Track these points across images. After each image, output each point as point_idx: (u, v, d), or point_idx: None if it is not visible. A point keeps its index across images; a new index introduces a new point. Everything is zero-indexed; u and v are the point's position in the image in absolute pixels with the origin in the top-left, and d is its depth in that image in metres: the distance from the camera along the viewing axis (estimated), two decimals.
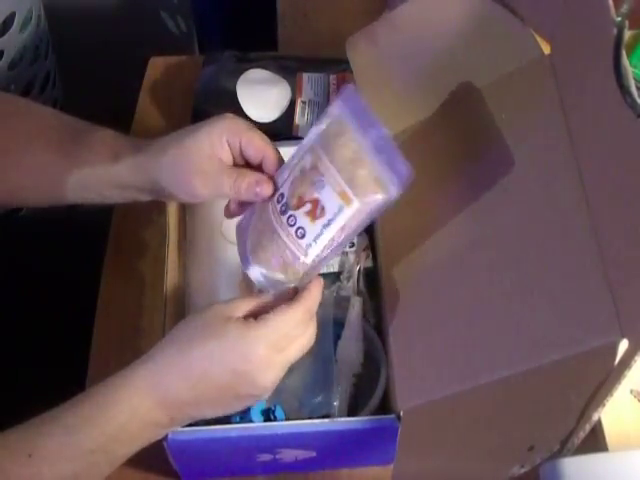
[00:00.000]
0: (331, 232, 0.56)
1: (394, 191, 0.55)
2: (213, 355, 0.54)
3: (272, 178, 0.60)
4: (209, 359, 0.54)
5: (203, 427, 0.60)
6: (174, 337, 0.56)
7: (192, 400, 0.55)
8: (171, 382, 0.55)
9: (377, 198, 0.55)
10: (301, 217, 0.57)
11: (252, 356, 0.54)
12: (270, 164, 0.61)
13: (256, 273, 0.59)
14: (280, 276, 0.58)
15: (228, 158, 0.61)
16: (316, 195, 0.56)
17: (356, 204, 0.55)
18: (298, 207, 0.57)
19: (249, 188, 0.59)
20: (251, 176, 0.60)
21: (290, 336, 0.55)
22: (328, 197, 0.56)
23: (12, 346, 0.84)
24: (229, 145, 0.61)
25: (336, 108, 0.57)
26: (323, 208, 0.56)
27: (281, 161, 0.61)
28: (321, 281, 0.59)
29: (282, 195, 0.58)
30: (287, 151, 0.60)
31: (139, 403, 0.54)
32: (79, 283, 0.86)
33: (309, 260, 0.57)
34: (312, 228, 0.56)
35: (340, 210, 0.56)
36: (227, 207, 0.63)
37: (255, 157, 0.61)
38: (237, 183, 0.60)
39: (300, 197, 0.57)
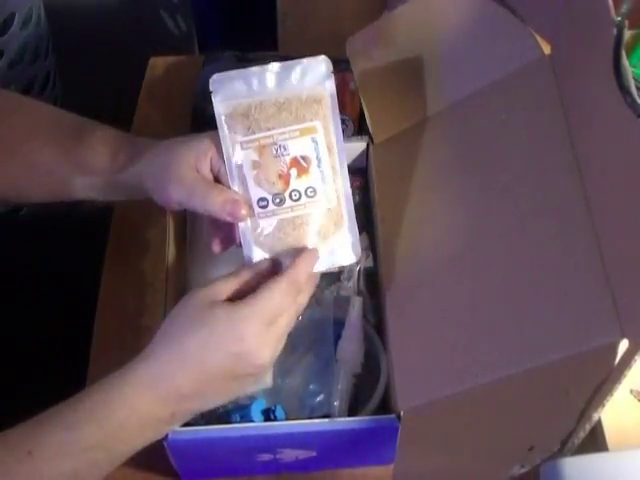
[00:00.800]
0: (326, 162, 0.58)
1: (328, 86, 0.59)
2: (207, 342, 0.54)
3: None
4: (203, 347, 0.54)
5: (203, 427, 0.60)
6: (165, 332, 0.56)
7: (192, 392, 0.55)
8: (169, 376, 0.55)
9: (322, 105, 0.58)
10: (298, 183, 0.58)
11: (244, 335, 0.54)
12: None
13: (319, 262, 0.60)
14: (329, 240, 0.59)
15: (209, 174, 0.61)
16: (289, 157, 0.58)
17: (317, 124, 0.58)
18: (288, 182, 0.58)
19: (223, 205, 0.58)
20: (228, 194, 0.59)
21: (278, 309, 0.56)
22: (297, 146, 0.58)
23: (12, 346, 0.84)
24: (211, 163, 0.60)
25: (219, 108, 0.59)
26: (303, 157, 0.58)
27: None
28: (314, 253, 0.59)
29: (261, 199, 0.59)
30: None
31: (138, 399, 0.54)
32: (79, 283, 0.86)
33: (334, 201, 0.59)
34: (313, 178, 0.58)
35: (314, 142, 0.58)
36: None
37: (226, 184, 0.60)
38: (211, 198, 0.59)
39: (280, 175, 0.58)
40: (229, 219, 0.59)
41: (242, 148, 0.59)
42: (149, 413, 0.55)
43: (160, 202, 0.62)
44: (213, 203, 0.59)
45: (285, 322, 0.56)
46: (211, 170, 0.61)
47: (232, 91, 0.59)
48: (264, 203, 0.59)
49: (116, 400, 0.54)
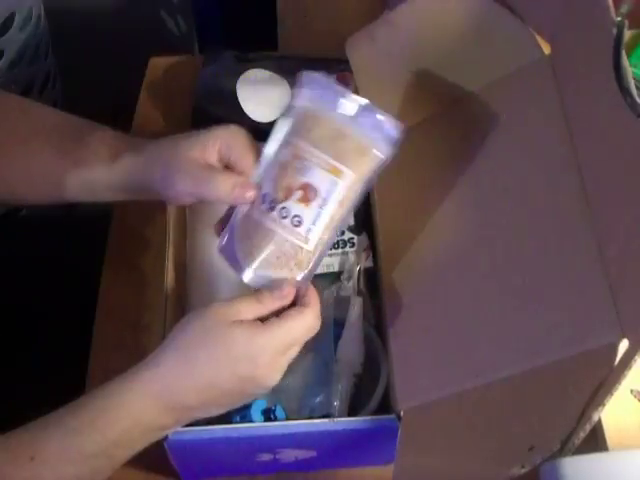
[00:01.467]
0: (329, 210, 0.56)
1: (385, 150, 0.56)
2: (220, 361, 0.54)
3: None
4: (216, 365, 0.54)
5: (203, 427, 0.60)
6: (178, 341, 0.56)
7: (199, 404, 0.55)
8: (178, 388, 0.54)
9: (367, 161, 0.56)
10: (293, 206, 0.56)
11: (259, 362, 0.54)
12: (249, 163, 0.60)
13: (252, 276, 0.58)
14: (283, 273, 0.57)
15: (217, 164, 0.61)
16: (304, 179, 0.56)
17: (349, 174, 0.56)
18: (287, 198, 0.56)
19: (233, 189, 0.58)
20: (236, 178, 0.59)
21: (296, 340, 0.56)
22: (318, 177, 0.56)
23: (12, 345, 0.84)
24: (220, 155, 0.60)
25: (298, 99, 0.58)
26: (315, 189, 0.56)
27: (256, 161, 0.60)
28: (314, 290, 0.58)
29: (265, 195, 0.57)
30: None
31: (145, 409, 0.54)
32: (79, 282, 0.86)
33: (311, 246, 0.57)
34: (308, 212, 0.56)
35: (334, 185, 0.56)
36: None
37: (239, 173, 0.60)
38: (218, 182, 0.59)
39: (287, 188, 0.56)
40: (238, 202, 0.58)
41: (285, 144, 0.58)
42: (154, 422, 0.55)
43: (168, 196, 0.62)
44: (220, 187, 0.58)
45: (297, 349, 0.57)
46: (219, 160, 0.61)
47: (317, 94, 0.57)
48: (264, 199, 0.58)
49: (120, 408, 0.54)
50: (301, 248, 0.57)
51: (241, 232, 0.58)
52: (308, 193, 0.56)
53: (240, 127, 0.62)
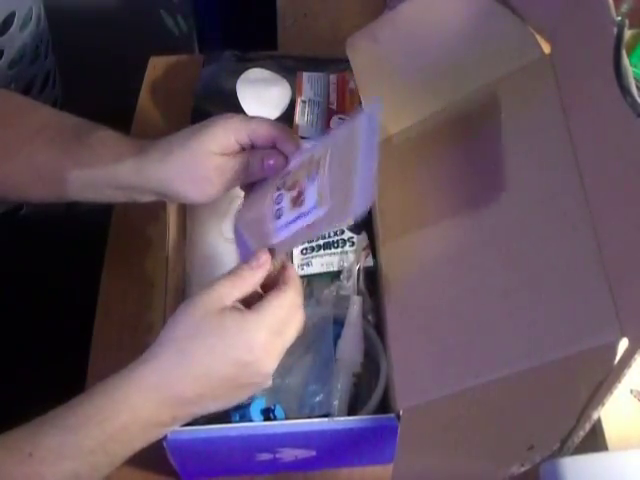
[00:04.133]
0: (301, 224, 0.58)
1: (342, 219, 0.57)
2: (214, 350, 0.54)
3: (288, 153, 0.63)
4: (211, 354, 0.54)
5: (203, 427, 0.60)
6: (170, 334, 0.56)
7: (196, 397, 0.55)
8: (175, 382, 0.55)
9: (335, 220, 0.57)
10: (286, 199, 0.60)
11: (254, 345, 0.55)
12: (283, 141, 0.63)
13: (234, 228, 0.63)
14: (252, 243, 0.62)
15: (235, 150, 0.63)
16: (304, 185, 0.59)
17: (323, 213, 0.57)
18: (289, 189, 0.60)
19: (262, 163, 0.62)
20: (260, 152, 0.62)
21: (286, 319, 0.56)
22: (311, 192, 0.58)
23: (12, 346, 0.84)
24: (239, 143, 0.63)
25: (360, 121, 0.59)
26: (303, 200, 0.58)
27: (293, 136, 0.63)
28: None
29: (289, 172, 0.61)
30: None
31: (142, 404, 0.54)
32: (79, 283, 0.86)
33: (276, 241, 0.60)
34: (289, 213, 0.59)
35: (313, 209, 0.58)
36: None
37: (267, 143, 0.63)
38: (250, 164, 0.62)
39: (296, 181, 0.60)
40: (271, 172, 0.63)
41: (328, 144, 0.60)
42: (151, 417, 0.55)
43: (193, 197, 0.64)
44: (253, 168, 0.62)
45: (292, 332, 0.57)
46: (240, 147, 0.63)
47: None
48: (283, 174, 0.62)
49: (118, 403, 0.54)
50: (270, 238, 0.60)
51: (257, 188, 0.64)
52: (299, 198, 0.59)
53: (232, 113, 0.64)
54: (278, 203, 0.60)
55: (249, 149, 0.64)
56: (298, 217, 0.59)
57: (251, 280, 0.57)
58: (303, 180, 0.59)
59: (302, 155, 0.62)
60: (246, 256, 0.61)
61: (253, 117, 0.64)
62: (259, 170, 0.63)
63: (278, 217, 0.60)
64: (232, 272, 0.58)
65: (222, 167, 0.62)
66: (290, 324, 0.57)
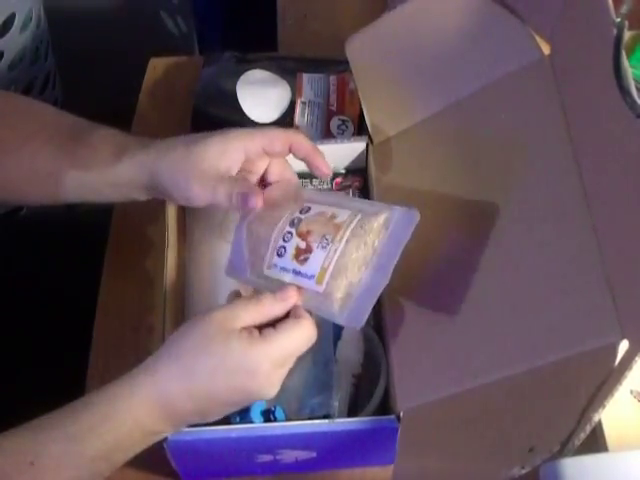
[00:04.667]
0: (294, 279, 0.57)
1: (329, 314, 0.56)
2: (216, 373, 0.54)
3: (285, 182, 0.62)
4: (213, 377, 0.54)
5: (203, 427, 0.60)
6: (176, 348, 0.55)
7: (195, 413, 0.56)
8: (175, 396, 0.54)
9: (322, 307, 0.56)
10: (292, 245, 0.58)
11: (256, 374, 0.54)
12: (301, 150, 0.62)
13: (239, 226, 0.62)
14: (246, 253, 0.61)
15: (234, 168, 0.62)
16: (314, 246, 0.57)
17: (316, 290, 0.56)
18: (300, 236, 0.58)
19: (239, 197, 0.59)
20: (243, 187, 0.60)
21: (293, 351, 0.55)
22: (316, 259, 0.57)
23: (12, 346, 0.84)
24: (248, 155, 0.61)
25: (395, 215, 0.57)
26: (307, 260, 0.57)
27: (310, 144, 0.62)
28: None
29: (308, 209, 0.59)
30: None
31: (144, 415, 0.54)
32: (79, 283, 0.86)
33: (267, 274, 0.59)
34: (289, 261, 0.58)
35: (310, 277, 0.56)
36: None
37: (283, 150, 0.62)
38: (234, 191, 0.60)
39: (309, 232, 0.58)
40: (244, 209, 0.60)
41: (351, 219, 0.58)
42: (153, 427, 0.55)
43: (176, 197, 0.63)
44: (231, 196, 0.60)
45: (293, 360, 0.56)
46: (244, 159, 0.62)
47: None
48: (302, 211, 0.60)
49: (120, 413, 0.54)
50: (262, 263, 0.59)
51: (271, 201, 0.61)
52: (303, 254, 0.57)
53: (249, 130, 0.63)
54: (285, 241, 0.58)
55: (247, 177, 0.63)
56: (295, 271, 0.57)
57: (270, 311, 0.56)
58: (315, 239, 0.57)
59: (326, 198, 0.60)
60: (236, 259, 0.61)
61: (267, 128, 0.63)
62: (238, 203, 0.60)
63: (279, 255, 0.58)
64: (255, 298, 0.56)
65: (213, 176, 0.61)
66: (294, 354, 0.56)
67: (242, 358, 0.54)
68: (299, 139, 0.62)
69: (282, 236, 0.59)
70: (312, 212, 0.59)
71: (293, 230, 0.59)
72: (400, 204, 0.69)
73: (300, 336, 0.55)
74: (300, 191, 0.63)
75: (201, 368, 0.54)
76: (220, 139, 0.61)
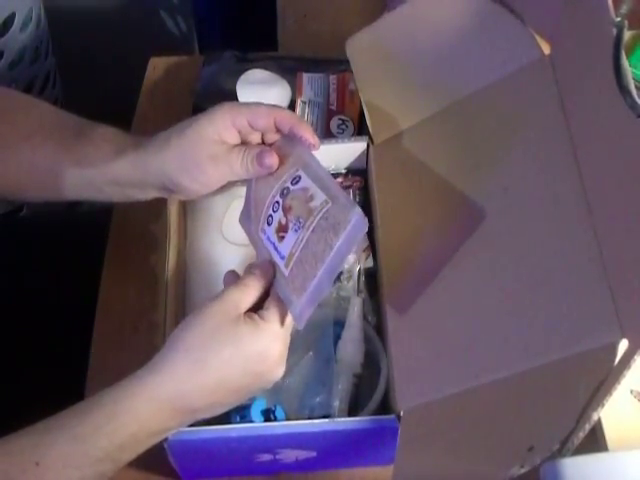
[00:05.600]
0: (272, 254, 0.59)
1: (287, 301, 0.57)
2: (231, 361, 0.55)
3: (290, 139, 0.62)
4: (227, 366, 0.55)
5: (203, 427, 0.60)
6: (182, 343, 0.55)
7: (206, 405, 0.56)
8: (188, 393, 0.55)
9: (286, 291, 0.57)
10: (277, 217, 0.59)
11: (268, 355, 0.55)
12: (285, 123, 0.61)
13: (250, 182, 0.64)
14: (251, 208, 0.63)
15: (234, 139, 0.62)
16: (290, 226, 0.58)
17: (283, 272, 0.57)
18: (284, 209, 0.59)
19: (255, 160, 0.60)
20: (255, 148, 0.61)
21: (291, 327, 0.57)
22: (288, 241, 0.58)
23: (12, 346, 0.84)
24: (236, 126, 0.61)
25: (352, 220, 0.55)
26: (283, 238, 0.58)
27: (294, 116, 0.62)
28: None
29: (299, 179, 0.59)
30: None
31: (152, 415, 0.54)
32: (79, 283, 0.86)
33: (260, 236, 0.61)
34: (273, 232, 0.59)
35: (282, 258, 0.58)
36: None
37: (268, 125, 0.62)
38: (245, 157, 0.61)
39: (290, 207, 0.59)
40: (264, 172, 0.61)
41: (323, 205, 0.57)
42: (160, 425, 0.55)
43: (192, 185, 0.63)
44: (247, 162, 0.61)
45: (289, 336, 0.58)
46: (238, 132, 0.62)
47: None
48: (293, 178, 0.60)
49: (126, 414, 0.54)
50: (257, 223, 0.61)
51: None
52: (282, 231, 0.59)
53: (231, 102, 0.63)
54: (274, 211, 0.60)
55: (247, 143, 0.63)
56: (274, 246, 0.59)
57: (258, 288, 0.58)
58: (291, 219, 0.58)
59: (319, 169, 0.59)
60: (246, 210, 0.64)
61: (251, 103, 0.63)
62: (254, 167, 0.61)
63: (268, 223, 0.60)
64: (239, 282, 0.58)
65: (216, 156, 0.61)
66: (290, 329, 0.58)
67: (255, 342, 0.55)
68: (283, 113, 0.62)
69: (272, 204, 0.60)
70: (299, 185, 0.59)
71: (281, 201, 0.60)
72: (400, 204, 0.69)
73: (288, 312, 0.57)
74: (301, 152, 0.62)
75: (213, 359, 0.54)
76: (209, 116, 0.62)
